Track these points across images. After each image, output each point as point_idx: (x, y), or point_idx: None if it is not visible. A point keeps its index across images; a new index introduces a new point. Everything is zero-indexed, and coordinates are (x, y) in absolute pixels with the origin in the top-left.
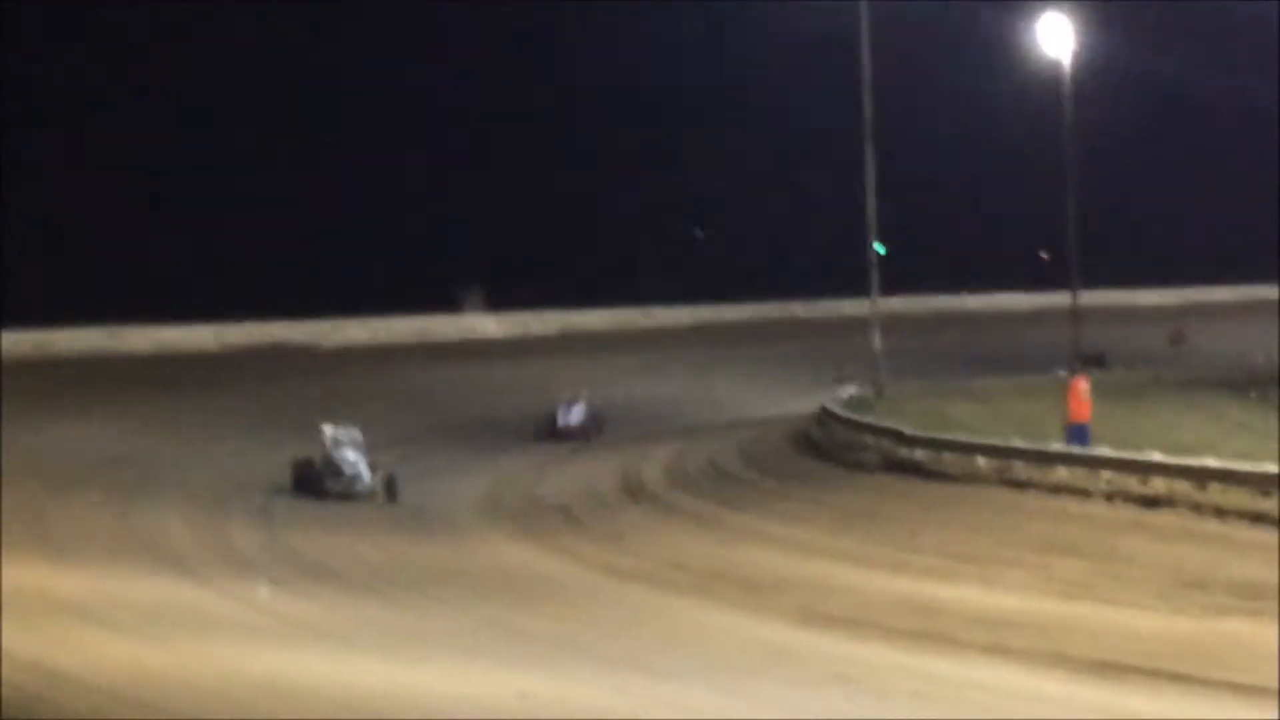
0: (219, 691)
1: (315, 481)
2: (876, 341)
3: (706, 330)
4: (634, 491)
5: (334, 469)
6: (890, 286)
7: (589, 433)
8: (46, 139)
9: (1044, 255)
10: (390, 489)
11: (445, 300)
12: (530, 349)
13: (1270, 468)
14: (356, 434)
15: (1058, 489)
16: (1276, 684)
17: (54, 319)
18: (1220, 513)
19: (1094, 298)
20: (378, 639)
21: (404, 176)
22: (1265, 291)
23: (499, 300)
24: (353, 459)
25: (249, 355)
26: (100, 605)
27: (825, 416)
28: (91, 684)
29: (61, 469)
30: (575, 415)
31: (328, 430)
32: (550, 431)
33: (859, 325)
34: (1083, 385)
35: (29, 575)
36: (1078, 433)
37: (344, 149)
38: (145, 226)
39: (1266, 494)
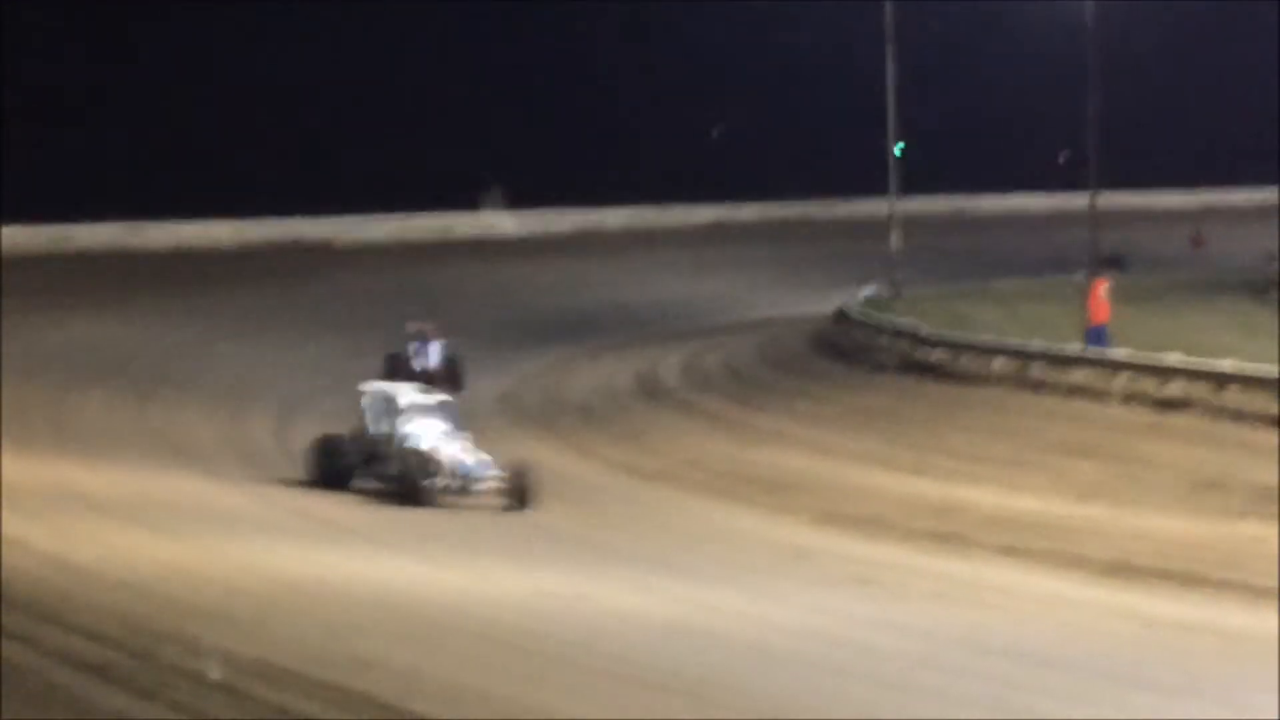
0: (242, 586)
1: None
2: (895, 242)
3: (724, 230)
4: (653, 392)
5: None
6: (909, 187)
7: (448, 379)
8: (66, 30)
9: (1063, 156)
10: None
11: (464, 198)
12: (548, 247)
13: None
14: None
15: (1076, 391)
16: None
17: (72, 213)
18: (1239, 416)
19: (1113, 199)
20: (399, 537)
21: (423, 74)
22: None
23: (517, 198)
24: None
25: (267, 252)
26: (121, 501)
27: (843, 317)
28: (115, 579)
29: (80, 365)
30: (433, 356)
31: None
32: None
33: (877, 226)
34: (1102, 287)
35: (50, 471)
36: (1096, 335)
37: (364, 44)
38: (164, 121)
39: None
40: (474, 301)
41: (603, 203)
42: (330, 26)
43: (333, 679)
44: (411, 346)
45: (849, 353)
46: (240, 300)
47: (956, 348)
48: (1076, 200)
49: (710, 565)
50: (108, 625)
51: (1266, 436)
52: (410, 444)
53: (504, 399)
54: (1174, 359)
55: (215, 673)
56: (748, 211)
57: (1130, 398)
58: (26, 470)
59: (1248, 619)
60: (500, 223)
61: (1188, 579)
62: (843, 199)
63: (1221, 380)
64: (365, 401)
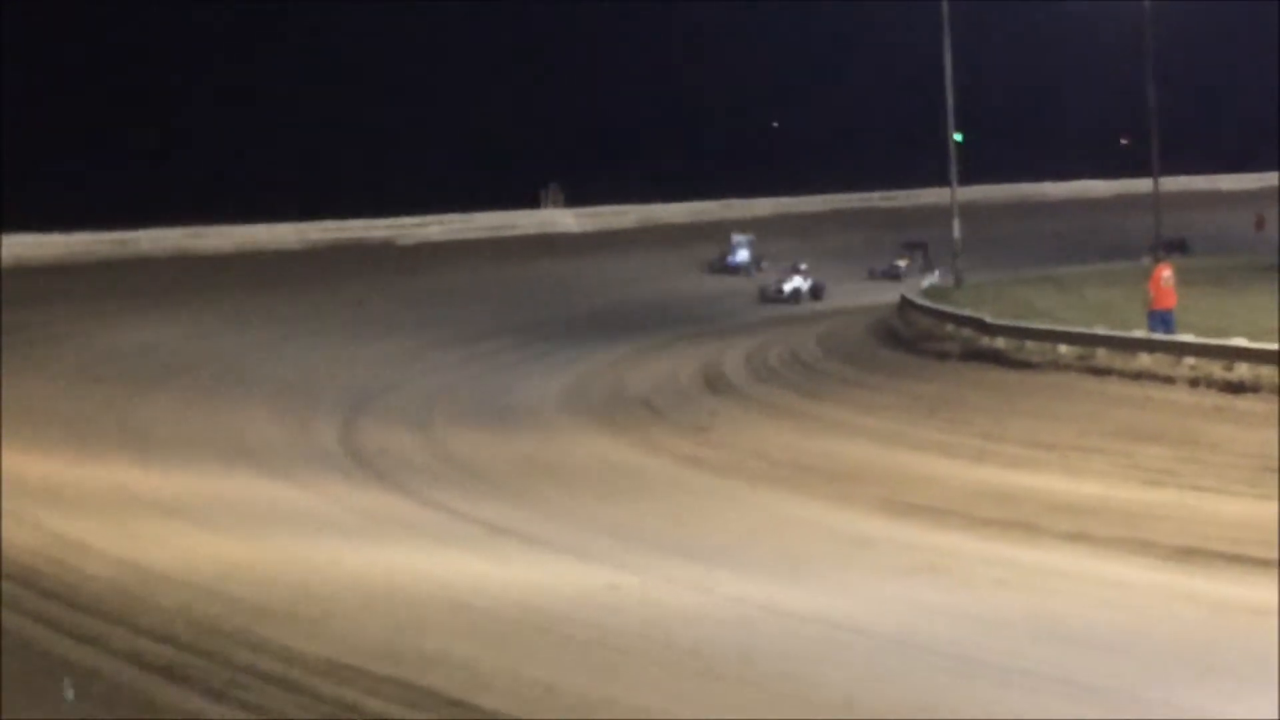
0: (308, 586)
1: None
2: (956, 230)
3: (785, 221)
4: (716, 384)
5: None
6: (970, 176)
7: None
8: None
9: (1125, 141)
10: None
11: (524, 196)
12: (609, 243)
13: None
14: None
15: (1141, 376)
16: None
17: (137, 219)
18: None
19: (1175, 183)
20: (467, 533)
21: (483, 74)
22: None
23: (577, 195)
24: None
25: (330, 252)
26: (188, 502)
27: (906, 306)
28: (182, 580)
29: (145, 368)
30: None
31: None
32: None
33: (938, 215)
34: (1165, 271)
35: (115, 474)
36: (1161, 319)
37: (425, 46)
38: (227, 126)
39: None
40: (536, 298)
41: (663, 198)
42: (391, 29)
43: (399, 675)
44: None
45: (911, 341)
46: (303, 301)
47: (1020, 334)
48: (1139, 185)
49: (775, 556)
50: (175, 626)
51: None
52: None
53: (568, 394)
54: (1239, 342)
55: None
56: (809, 203)
57: (1196, 381)
58: (93, 473)
59: None
60: (561, 219)
61: (1257, 563)
62: (904, 189)
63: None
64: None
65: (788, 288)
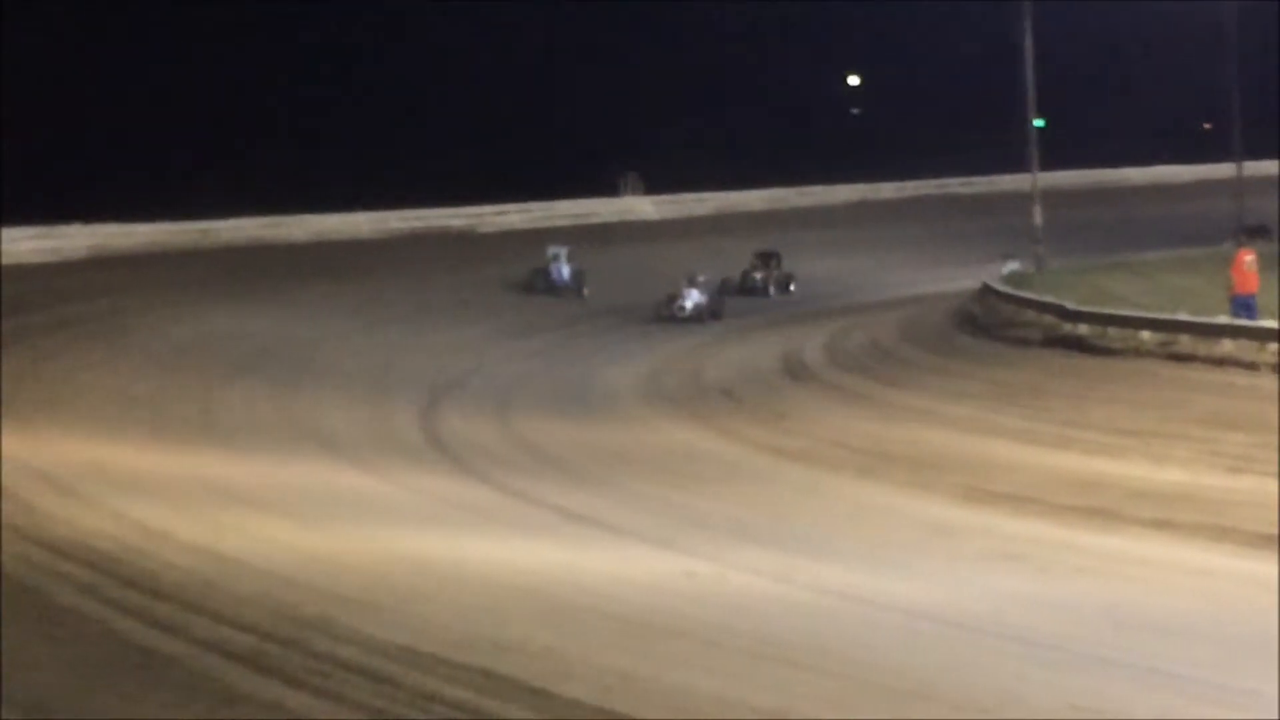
0: (385, 575)
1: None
2: (1037, 217)
3: (864, 209)
4: (795, 371)
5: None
6: (1049, 161)
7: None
8: (217, 31)
9: (1207, 126)
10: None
11: (604, 184)
12: (688, 230)
13: None
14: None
15: (1223, 362)
16: None
17: (218, 209)
18: None
19: (1257, 168)
20: (544, 521)
21: (561, 61)
22: None
23: (656, 182)
24: None
25: (409, 241)
26: (266, 491)
27: (986, 293)
28: (261, 568)
29: (224, 357)
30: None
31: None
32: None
33: (1018, 201)
34: (1248, 256)
35: (195, 462)
36: (1244, 305)
37: (503, 36)
38: (307, 116)
39: None
40: (615, 285)
41: (742, 185)
42: (470, 17)
43: (478, 663)
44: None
45: (992, 328)
46: (382, 290)
47: (1101, 320)
48: (1220, 170)
49: (855, 544)
50: (254, 614)
51: None
52: None
53: (646, 380)
54: None
55: None
56: (888, 190)
57: (1279, 367)
58: (172, 462)
59: None
60: (640, 207)
61: None
62: (983, 175)
63: None
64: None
65: (688, 304)
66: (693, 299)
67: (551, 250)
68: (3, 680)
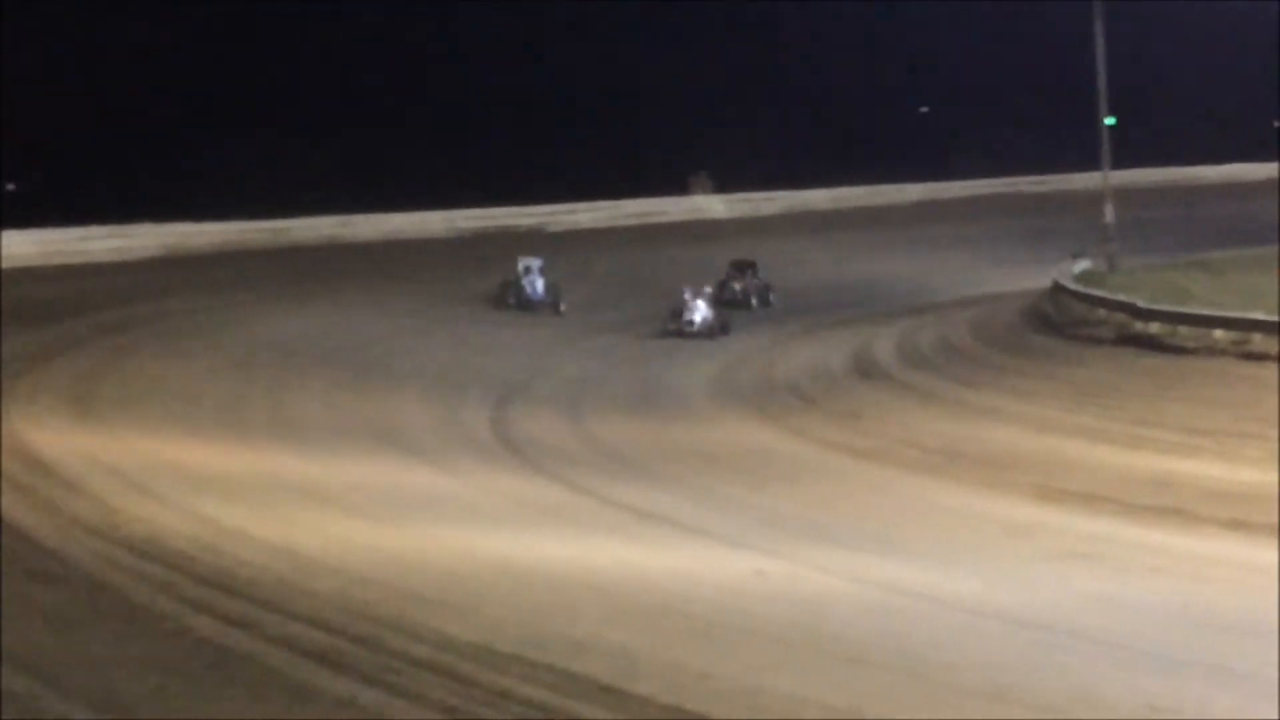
0: (456, 572)
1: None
2: (1109, 215)
3: (934, 207)
4: (866, 370)
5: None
6: (1121, 159)
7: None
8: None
9: (1279, 124)
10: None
11: (674, 183)
12: (757, 229)
13: None
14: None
15: None
16: None
17: (287, 209)
18: None
19: None
20: (614, 520)
21: (631, 62)
22: None
23: (725, 181)
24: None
25: (479, 240)
26: (339, 489)
27: (1058, 291)
28: (334, 566)
29: (297, 356)
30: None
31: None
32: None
33: (1089, 199)
34: None
35: (268, 460)
36: None
37: (570, 35)
38: (376, 114)
39: None
40: (679, 282)
41: (810, 184)
42: (538, 15)
43: (550, 661)
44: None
45: (1064, 327)
46: (453, 289)
47: (1174, 319)
48: None
49: (927, 543)
50: (328, 612)
51: None
52: None
53: (717, 380)
54: None
55: None
56: (957, 188)
57: None
58: (245, 460)
59: None
60: (709, 206)
61: None
62: (1054, 174)
63: None
64: None
65: (696, 318)
66: (700, 312)
67: (523, 263)
68: (78, 678)
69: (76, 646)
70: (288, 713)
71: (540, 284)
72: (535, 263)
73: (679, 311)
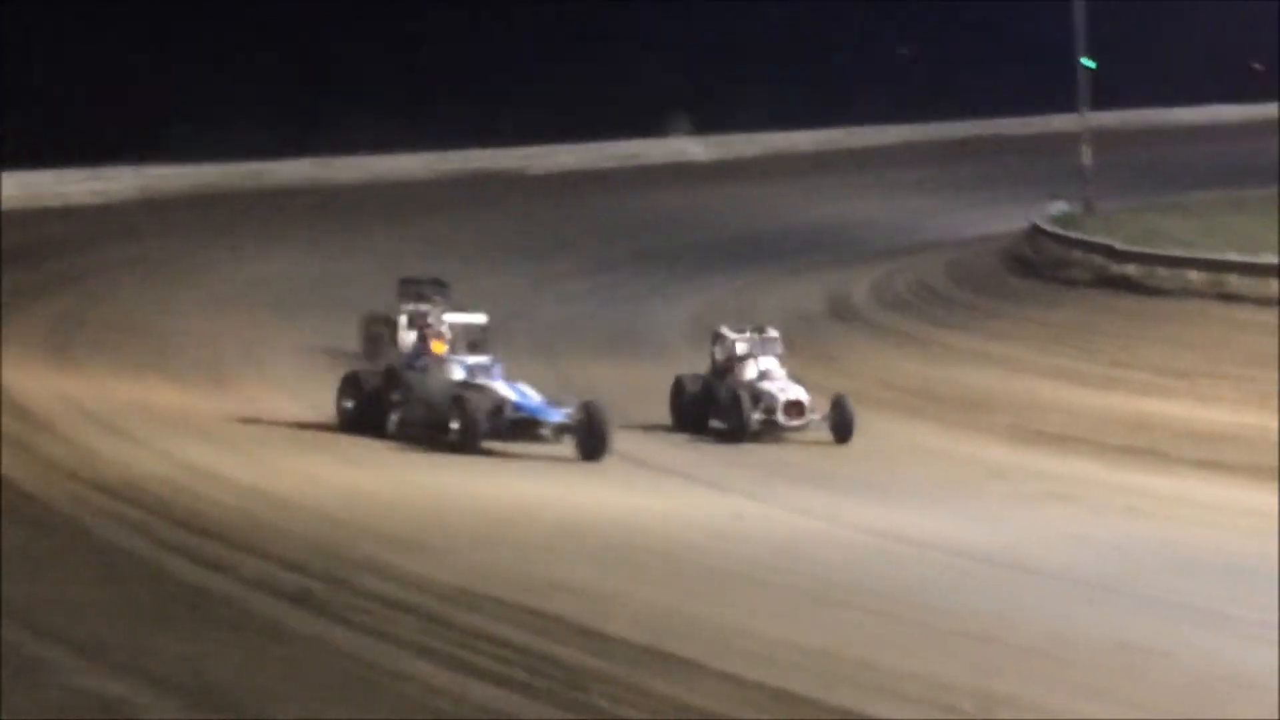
0: (431, 514)
1: None
2: (1086, 157)
3: (913, 150)
4: (843, 313)
5: None
6: (1100, 102)
7: None
8: None
9: (1258, 66)
10: None
11: (653, 125)
12: (737, 172)
13: None
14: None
15: (1273, 302)
16: None
17: (266, 151)
18: None
19: None
20: (593, 464)
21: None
22: None
23: (706, 124)
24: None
25: (459, 183)
26: (315, 431)
27: (1035, 234)
28: (310, 508)
29: (274, 298)
30: None
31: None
32: None
33: (1067, 142)
34: None
35: (247, 402)
36: None
37: None
38: (354, 56)
39: None
40: (663, 227)
41: (791, 126)
42: None
43: (526, 602)
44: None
45: (1041, 269)
46: (432, 231)
47: (1150, 261)
48: (1268, 110)
49: (904, 484)
50: (304, 554)
51: None
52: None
53: (694, 322)
54: None
55: None
56: (936, 130)
57: None
58: (221, 402)
59: None
60: (689, 148)
61: None
62: (1033, 115)
63: None
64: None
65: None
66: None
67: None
68: (55, 621)
69: (54, 589)
70: (264, 653)
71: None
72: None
73: None
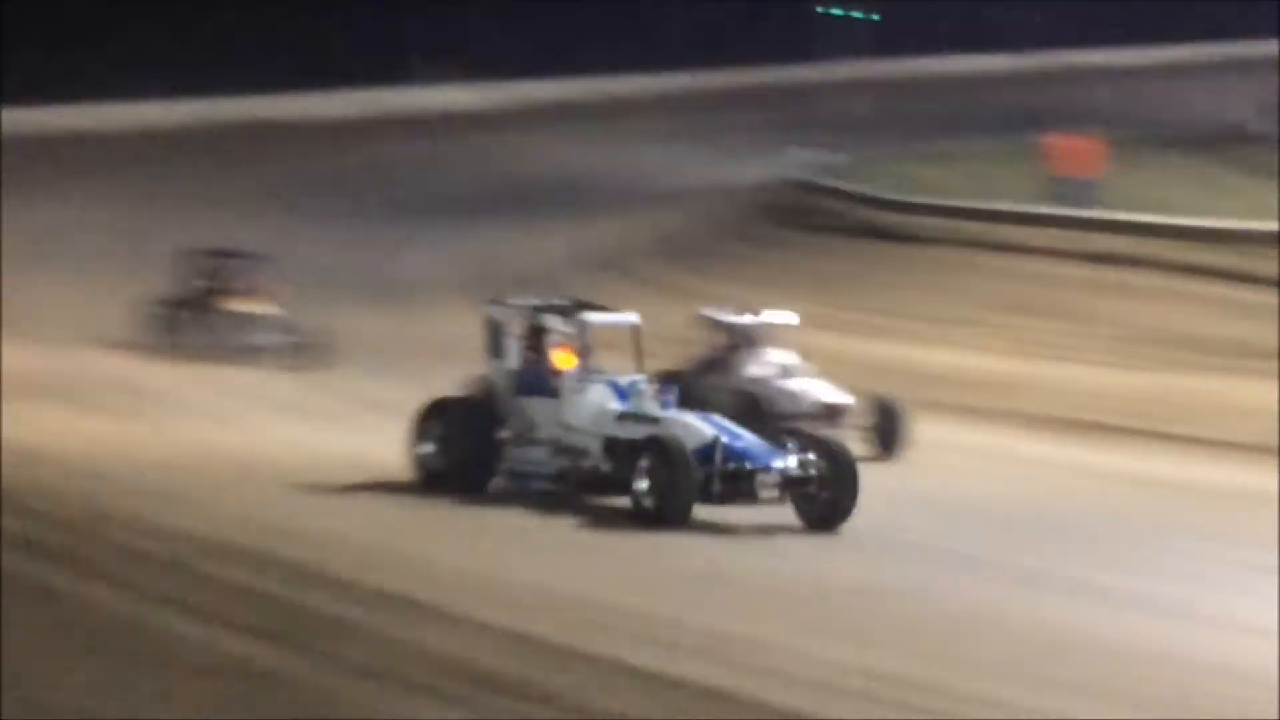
0: (198, 469)
1: None
2: (854, 107)
3: (670, 101)
4: (605, 264)
5: None
6: (862, 51)
7: None
8: None
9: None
10: None
11: (405, 71)
12: (494, 121)
13: (1265, 226)
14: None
15: (1035, 251)
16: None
17: (28, 95)
18: (1197, 271)
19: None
20: (348, 412)
21: None
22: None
23: (460, 71)
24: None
25: (209, 132)
26: (85, 387)
27: (794, 183)
28: (75, 465)
29: (33, 250)
30: None
31: None
32: None
33: (833, 90)
34: (1070, 142)
35: (19, 359)
36: (1080, 188)
37: None
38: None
39: (1265, 255)
40: (412, 176)
41: (545, 74)
42: None
43: (288, 555)
44: None
45: (799, 217)
46: (176, 184)
47: (907, 209)
48: (1041, 59)
49: None
50: (56, 509)
51: (1236, 293)
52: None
53: (448, 268)
54: (1143, 217)
55: None
56: (688, 80)
57: (1095, 257)
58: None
59: (1227, 475)
60: (441, 95)
61: (1133, 432)
62: (797, 63)
63: (1181, 235)
64: None
65: None
66: None
67: None
68: None
69: None
70: (27, 615)
71: None
72: None
73: None
